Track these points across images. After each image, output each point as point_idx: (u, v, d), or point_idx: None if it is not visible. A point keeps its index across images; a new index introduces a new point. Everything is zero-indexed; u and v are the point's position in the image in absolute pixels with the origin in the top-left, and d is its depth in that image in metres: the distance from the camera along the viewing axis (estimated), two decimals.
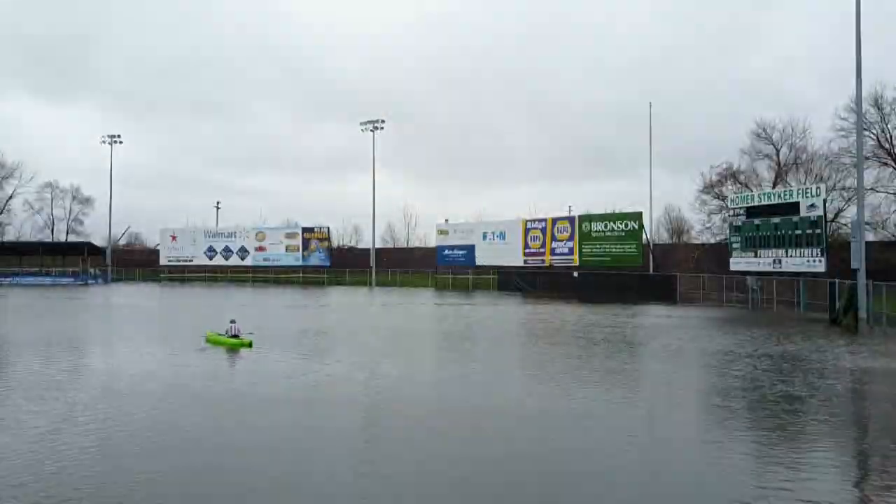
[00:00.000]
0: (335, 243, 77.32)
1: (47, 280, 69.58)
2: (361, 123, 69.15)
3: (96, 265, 76.33)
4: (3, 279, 69.00)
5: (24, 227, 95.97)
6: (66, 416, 10.80)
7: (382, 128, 68.50)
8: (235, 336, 19.65)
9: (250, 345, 19.12)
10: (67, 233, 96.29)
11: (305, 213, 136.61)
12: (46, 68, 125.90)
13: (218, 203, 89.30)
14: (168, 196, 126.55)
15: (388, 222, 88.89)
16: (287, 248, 72.93)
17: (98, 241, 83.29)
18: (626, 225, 50.72)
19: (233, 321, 20.26)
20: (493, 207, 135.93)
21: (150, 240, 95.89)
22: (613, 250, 50.82)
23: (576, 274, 51.51)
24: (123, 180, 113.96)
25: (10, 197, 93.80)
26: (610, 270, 50.10)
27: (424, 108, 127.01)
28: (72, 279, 70.31)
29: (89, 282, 70.13)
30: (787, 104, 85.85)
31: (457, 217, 73.95)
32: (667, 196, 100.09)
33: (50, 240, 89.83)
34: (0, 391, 13.09)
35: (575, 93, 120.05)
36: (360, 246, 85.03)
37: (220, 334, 20.10)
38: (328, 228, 73.85)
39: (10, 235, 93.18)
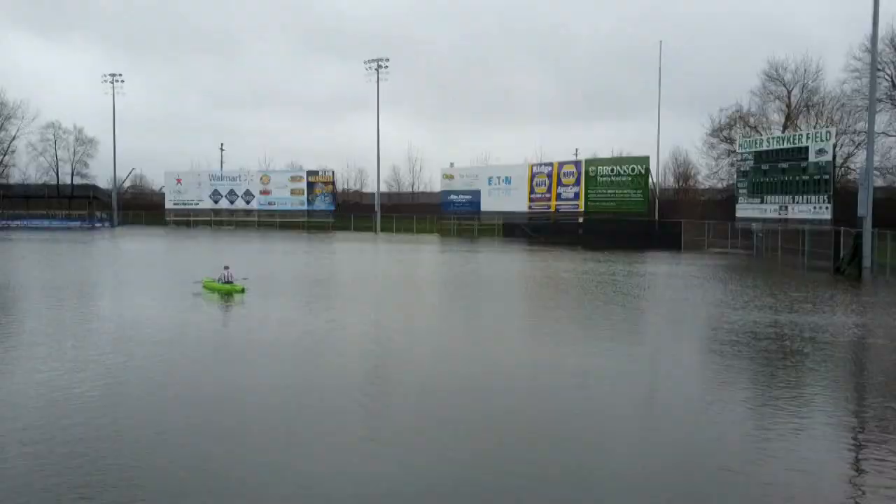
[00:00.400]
0: (340, 187, 76.91)
1: (55, 223, 69.87)
2: (366, 62, 67.84)
3: (102, 209, 76.51)
4: (11, 222, 69.51)
5: (28, 169, 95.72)
6: (74, 361, 10.87)
7: (387, 66, 67.23)
8: (229, 282, 19.81)
9: (242, 291, 19.31)
10: (73, 175, 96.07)
11: (310, 155, 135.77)
12: (41, 3, 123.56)
13: (222, 145, 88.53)
14: (171, 137, 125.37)
15: (392, 165, 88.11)
16: (292, 192, 72.55)
17: (103, 184, 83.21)
18: (633, 169, 50.03)
19: (226, 267, 20.34)
20: (499, 151, 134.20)
21: (156, 182, 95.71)
22: (619, 196, 50.30)
23: (580, 231, 50.90)
24: (126, 122, 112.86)
25: (13, 138, 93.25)
26: (615, 216, 49.68)
27: (429, 48, 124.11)
28: (78, 223, 70.58)
29: (96, 225, 70.42)
30: (801, 44, 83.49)
31: (463, 160, 73.12)
32: (676, 139, 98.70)
33: (55, 182, 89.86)
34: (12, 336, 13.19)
35: (583, 31, 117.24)
36: (365, 190, 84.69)
37: (214, 280, 20.17)
38: (333, 172, 73.30)
39: (15, 178, 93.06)
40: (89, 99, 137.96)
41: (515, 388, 10.20)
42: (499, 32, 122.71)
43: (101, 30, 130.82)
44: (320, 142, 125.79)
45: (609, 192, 50.96)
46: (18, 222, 69.87)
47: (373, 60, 67.34)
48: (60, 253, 37.12)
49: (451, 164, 66.60)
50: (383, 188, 73.95)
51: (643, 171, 49.74)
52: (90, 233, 60.24)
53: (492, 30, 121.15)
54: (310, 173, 72.79)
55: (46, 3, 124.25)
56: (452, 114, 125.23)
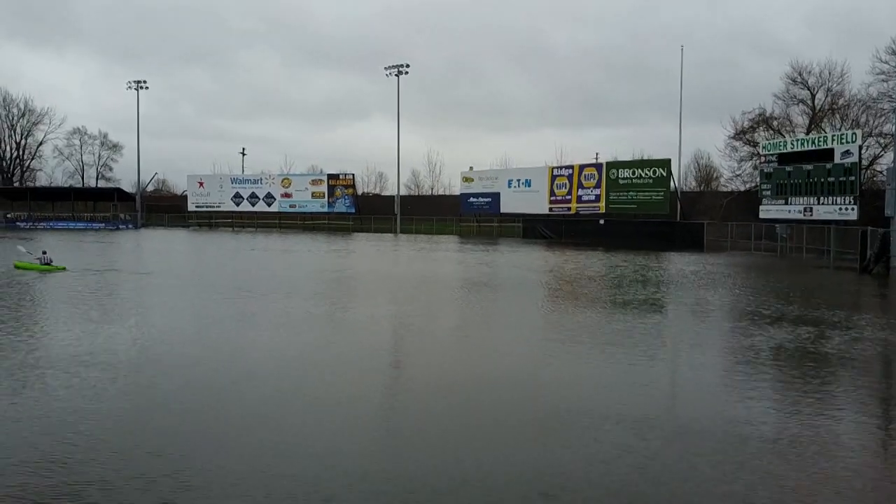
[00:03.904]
0: (360, 190, 77.49)
1: (80, 225, 71.01)
2: (386, 68, 68.40)
3: (126, 211, 77.66)
4: (38, 224, 70.83)
5: (54, 172, 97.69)
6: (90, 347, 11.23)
7: (407, 72, 67.81)
8: (48, 263, 24.16)
9: (64, 269, 23.92)
10: (97, 179, 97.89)
11: (329, 161, 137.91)
12: (40, 18, 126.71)
13: (244, 149, 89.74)
14: (190, 144, 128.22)
15: (412, 169, 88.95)
16: (313, 195, 73.27)
17: (126, 188, 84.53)
18: (655, 172, 50.01)
19: (44, 252, 25.22)
20: (517, 155, 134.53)
21: (177, 186, 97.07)
22: (641, 197, 50.28)
23: (601, 221, 51.26)
24: (144, 128, 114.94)
25: (41, 143, 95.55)
26: (637, 218, 49.75)
27: (442, 55, 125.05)
28: (103, 225, 71.70)
29: (120, 227, 71.46)
30: (825, 48, 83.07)
31: (481, 164, 73.33)
32: (697, 142, 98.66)
33: (80, 185, 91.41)
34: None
35: (596, 38, 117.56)
36: (385, 193, 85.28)
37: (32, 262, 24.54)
38: (353, 175, 73.97)
39: (41, 181, 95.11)
40: (113, 105, 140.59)
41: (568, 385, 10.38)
42: (515, 45, 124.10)
43: (122, 41, 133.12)
44: (332, 148, 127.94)
45: (630, 193, 50.97)
46: (44, 224, 71.23)
47: (393, 66, 67.93)
48: (91, 250, 37.79)
49: (471, 168, 67.05)
50: (403, 191, 74.56)
51: (665, 174, 49.69)
52: (125, 233, 61.10)
53: (479, 39, 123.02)
54: (330, 176, 73.52)
55: (43, 16, 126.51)
56: (469, 119, 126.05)
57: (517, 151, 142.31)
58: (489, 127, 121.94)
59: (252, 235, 59.75)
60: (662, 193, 49.74)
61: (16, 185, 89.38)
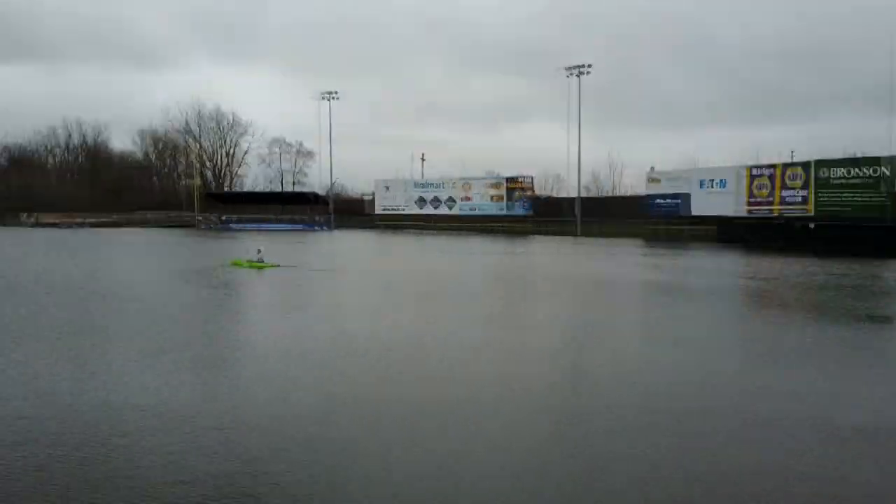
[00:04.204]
0: (537, 193, 77.66)
1: (282, 227, 77.68)
2: (567, 69, 67.92)
3: (317, 213, 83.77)
4: (247, 225, 78.48)
5: (257, 178, 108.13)
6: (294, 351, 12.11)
7: (589, 72, 66.90)
8: (261, 261, 26.70)
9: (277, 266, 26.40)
10: (293, 184, 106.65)
11: (494, 164, 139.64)
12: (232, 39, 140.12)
13: (423, 155, 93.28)
14: (361, 150, 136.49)
15: (591, 170, 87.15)
16: (491, 198, 74.62)
17: (318, 191, 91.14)
18: (874, 171, 45.16)
19: (259, 250, 27.63)
20: (696, 154, 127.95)
21: (354, 191, 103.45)
22: (857, 199, 45.63)
23: (812, 225, 47.04)
24: (320, 135, 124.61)
25: (245, 152, 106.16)
26: (851, 222, 45.09)
27: (607, 54, 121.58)
28: (301, 226, 77.87)
29: (315, 228, 77.21)
30: None
31: (664, 164, 70.33)
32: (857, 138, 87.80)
33: (278, 190, 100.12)
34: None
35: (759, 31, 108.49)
36: (560, 195, 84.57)
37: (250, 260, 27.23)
38: (531, 178, 74.32)
39: (247, 186, 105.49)
40: (295, 114, 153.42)
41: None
42: (649, 36, 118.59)
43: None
44: (497, 150, 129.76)
45: (844, 195, 46.47)
46: (253, 225, 78.70)
47: (573, 67, 67.27)
48: (319, 251, 41.21)
49: (652, 168, 64.64)
50: (582, 193, 73.45)
51: (888, 173, 44.67)
52: (321, 234, 66.16)
53: (642, 33, 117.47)
54: (508, 179, 74.41)
55: (259, 37, 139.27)
56: (651, 119, 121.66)
57: (695, 151, 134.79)
58: (658, 125, 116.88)
59: (437, 237, 61.96)
60: (883, 195, 44.75)
61: (226, 190, 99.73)
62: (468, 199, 75.76)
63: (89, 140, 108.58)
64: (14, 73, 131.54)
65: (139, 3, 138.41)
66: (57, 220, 78.53)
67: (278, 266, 26.41)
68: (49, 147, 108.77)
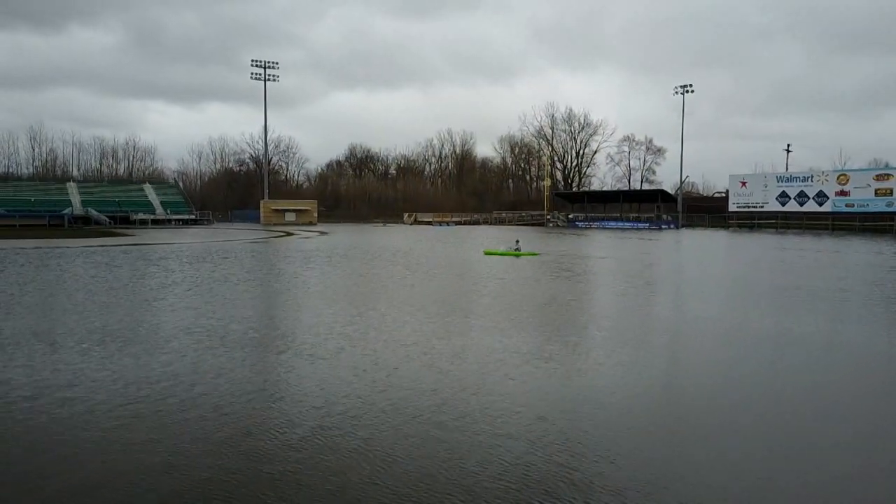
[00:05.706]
0: None
1: (626, 225, 76.82)
2: None
3: (667, 212, 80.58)
4: (592, 224, 79.62)
5: (605, 177, 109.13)
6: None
7: None
8: (518, 250, 27.59)
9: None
10: (641, 182, 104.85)
11: (872, 152, 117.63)
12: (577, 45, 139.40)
13: (788, 146, 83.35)
14: (708, 145, 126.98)
15: None
16: (876, 193, 62.75)
17: (666, 189, 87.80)
18: None
19: (517, 241, 29.43)
20: None
21: (703, 187, 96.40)
22: None
23: None
24: (666, 132, 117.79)
25: (595, 152, 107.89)
26: None
27: None
28: (646, 225, 75.90)
29: (662, 227, 74.45)
30: None
31: None
32: None
33: (626, 188, 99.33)
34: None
35: None
36: None
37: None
38: None
39: (594, 185, 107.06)
40: (638, 112, 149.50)
41: None
42: None
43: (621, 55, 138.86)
44: (873, 139, 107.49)
45: None
46: (597, 223, 79.63)
47: None
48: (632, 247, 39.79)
49: None
50: None
51: None
52: (666, 233, 63.68)
53: None
54: None
55: (599, 41, 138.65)
56: None
57: None
58: None
59: (801, 237, 54.35)
60: None
61: (574, 189, 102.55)
62: (844, 193, 64.86)
63: (458, 149, 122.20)
64: (399, 97, 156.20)
65: (493, 24, 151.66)
66: (430, 220, 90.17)
67: (537, 255, 27.82)
68: (426, 156, 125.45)
